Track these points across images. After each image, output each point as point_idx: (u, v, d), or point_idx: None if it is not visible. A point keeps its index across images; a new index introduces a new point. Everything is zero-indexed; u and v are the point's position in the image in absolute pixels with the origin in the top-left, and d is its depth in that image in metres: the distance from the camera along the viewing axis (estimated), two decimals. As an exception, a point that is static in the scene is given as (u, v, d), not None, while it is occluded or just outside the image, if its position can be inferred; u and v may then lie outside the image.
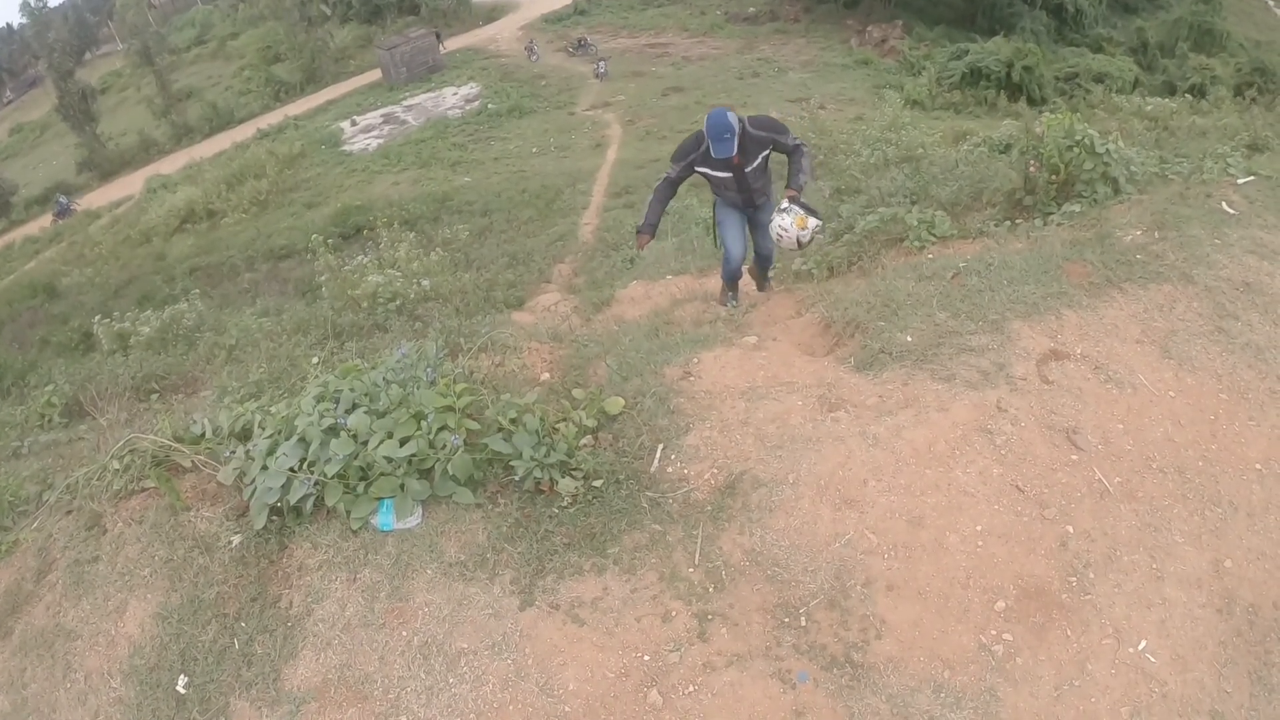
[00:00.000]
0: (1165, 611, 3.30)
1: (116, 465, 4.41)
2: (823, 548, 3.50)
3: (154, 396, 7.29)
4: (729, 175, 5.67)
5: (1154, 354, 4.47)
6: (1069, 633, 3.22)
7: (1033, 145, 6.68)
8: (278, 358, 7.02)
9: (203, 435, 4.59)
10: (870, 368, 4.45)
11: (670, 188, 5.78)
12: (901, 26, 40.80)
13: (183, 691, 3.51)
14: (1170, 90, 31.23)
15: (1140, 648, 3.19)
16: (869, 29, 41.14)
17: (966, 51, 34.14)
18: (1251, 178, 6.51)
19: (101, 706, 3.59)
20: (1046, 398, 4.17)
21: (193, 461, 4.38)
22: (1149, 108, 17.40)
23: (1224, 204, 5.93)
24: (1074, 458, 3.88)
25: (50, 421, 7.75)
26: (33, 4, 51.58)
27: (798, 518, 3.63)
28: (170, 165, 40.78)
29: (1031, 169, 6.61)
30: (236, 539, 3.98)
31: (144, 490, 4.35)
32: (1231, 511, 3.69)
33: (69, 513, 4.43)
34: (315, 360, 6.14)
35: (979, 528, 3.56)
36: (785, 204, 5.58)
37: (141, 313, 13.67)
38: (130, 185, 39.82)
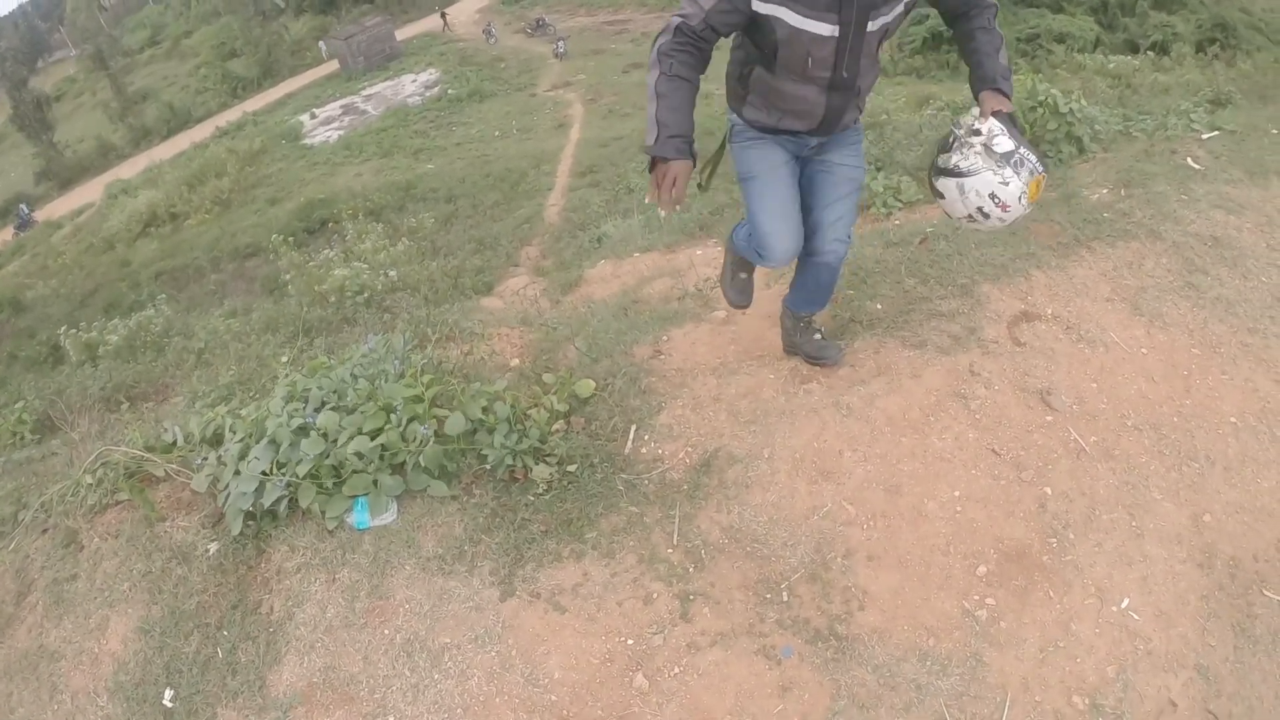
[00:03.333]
0: (1146, 568, 3.31)
1: (89, 479, 4.34)
2: (801, 521, 3.49)
3: (124, 406, 7.22)
4: (831, 33, 2.83)
5: (1125, 311, 4.48)
6: (1051, 594, 3.22)
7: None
8: (247, 358, 6.95)
9: (174, 443, 4.52)
10: (840, 336, 4.43)
11: (694, 53, 2.97)
12: (855, -6, 40.72)
13: (169, 705, 3.46)
14: (1132, 48, 31.32)
15: (1123, 605, 3.19)
16: (826, -5, 41.11)
17: (927, 16, 34.07)
18: (1215, 133, 6.55)
19: None
20: (1019, 360, 4.17)
21: (165, 471, 4.32)
22: (1111, 66, 17.51)
23: (1189, 160, 5.96)
24: (1049, 419, 3.88)
25: (22, 439, 7.64)
26: (-18, 13, 50.66)
27: (775, 492, 3.61)
28: (130, 169, 40.39)
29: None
30: (214, 547, 3.93)
31: (118, 503, 4.28)
32: (1208, 466, 3.70)
33: (44, 531, 4.36)
34: (284, 359, 6.08)
35: (957, 493, 3.56)
36: (987, 129, 2.94)
37: (109, 321, 13.59)
38: (90, 192, 39.36)
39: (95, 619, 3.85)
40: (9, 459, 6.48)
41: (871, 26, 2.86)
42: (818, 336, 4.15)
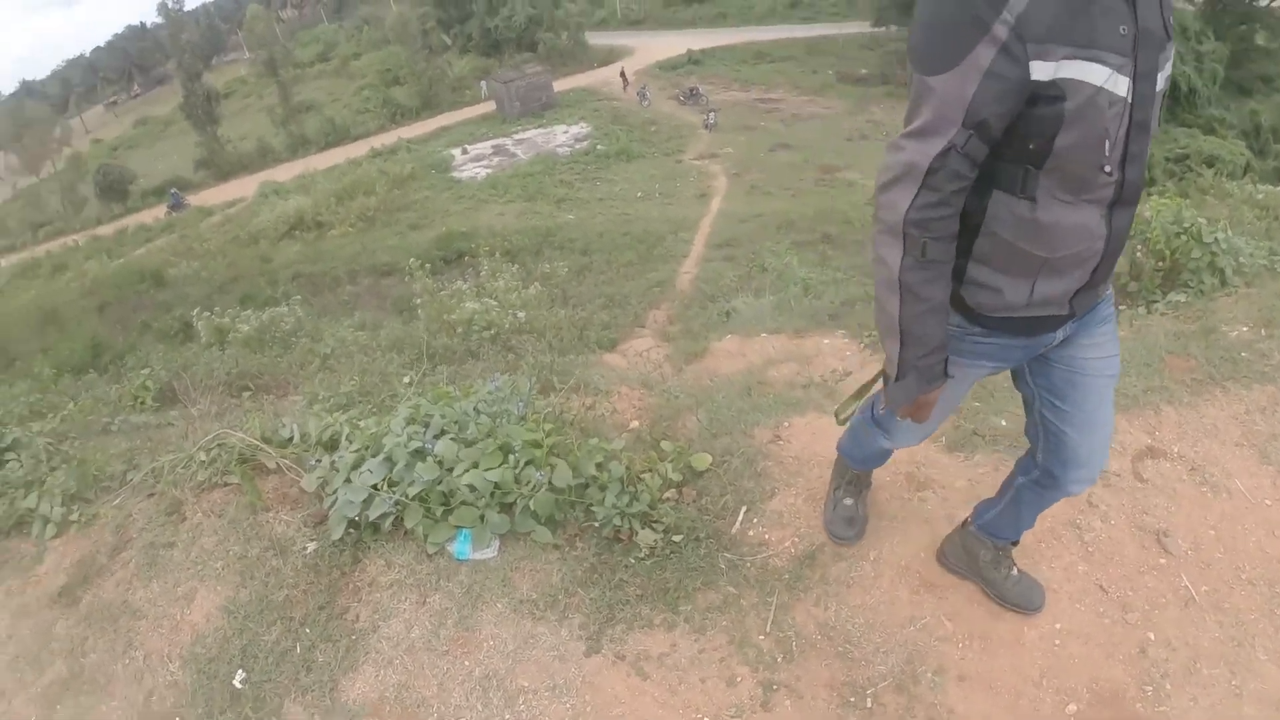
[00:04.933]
0: None
1: (203, 457, 4.62)
2: (897, 629, 3.43)
3: (246, 394, 7.51)
4: (1126, 92, 1.84)
5: (1253, 459, 4.28)
6: (1140, 745, 3.08)
7: (1140, 230, 6.54)
8: (369, 372, 7.16)
9: (290, 439, 4.75)
10: (961, 449, 4.37)
11: (953, 216, 1.95)
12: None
13: (239, 686, 3.60)
14: (1283, 177, 30.39)
15: None
16: (981, 97, 40.90)
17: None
18: (1367, 272, 6.28)
19: (157, 687, 3.70)
20: (1139, 496, 4.03)
21: (278, 464, 4.55)
22: (1260, 195, 16.81)
23: (1338, 300, 5.72)
24: (1162, 561, 3.73)
25: (142, 404, 8.05)
26: (170, 5, 54.48)
27: (875, 596, 3.57)
28: (284, 173, 42.70)
29: (1138, 254, 6.48)
30: (311, 546, 4.10)
31: (226, 485, 4.55)
32: None
33: (150, 495, 4.64)
34: (406, 379, 6.28)
35: (1058, 625, 3.45)
36: None
37: (242, 311, 14.22)
38: (244, 188, 41.70)
39: (184, 589, 4.06)
40: (126, 419, 6.85)
41: (1160, 81, 1.95)
42: (1015, 572, 3.34)
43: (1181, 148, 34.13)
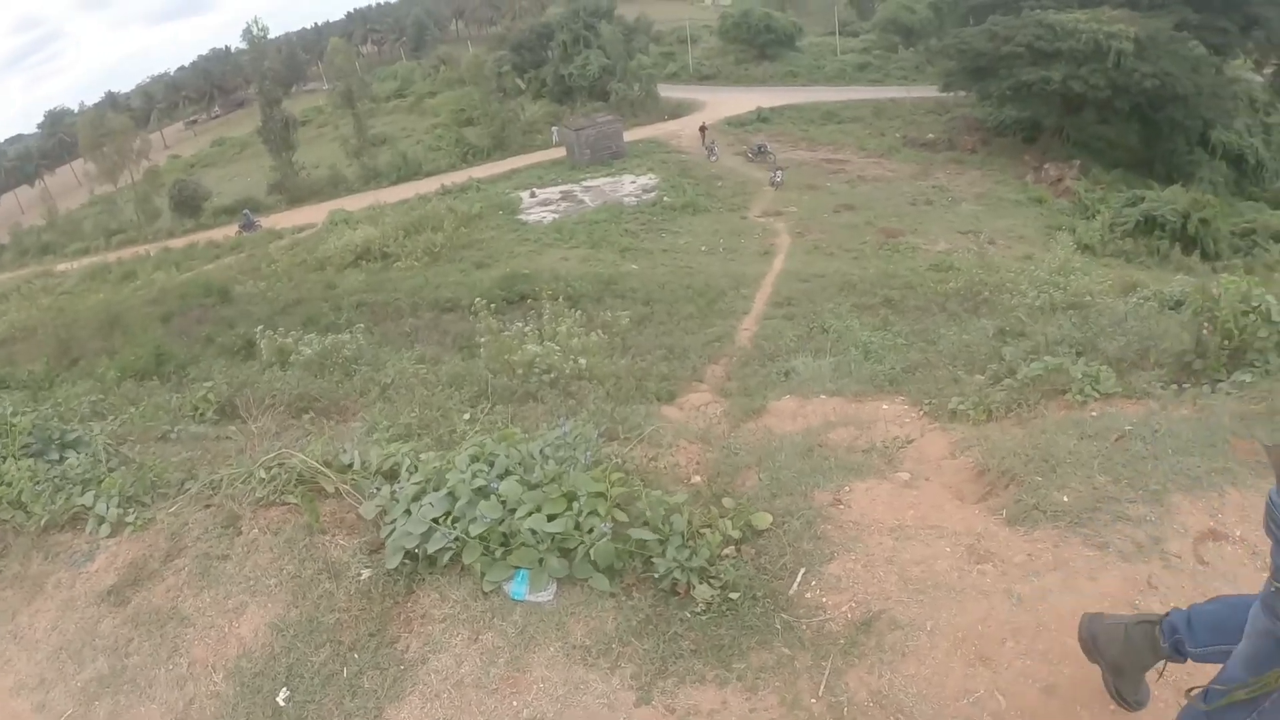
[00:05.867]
0: None
1: (263, 474, 4.75)
2: (950, 702, 3.41)
3: (306, 416, 7.66)
4: None
5: None
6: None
7: (1207, 306, 6.47)
8: (430, 406, 7.30)
9: (350, 465, 4.86)
10: (1022, 523, 4.35)
11: None
12: (1078, 166, 40.24)
13: (282, 704, 3.65)
14: (1350, 252, 29.75)
15: None
16: (1046, 166, 40.77)
17: (1142, 198, 33.25)
18: None
19: (198, 696, 3.78)
20: (1200, 579, 3.97)
21: (337, 488, 4.66)
22: (1330, 270, 16.54)
23: (1403, 387, 5.61)
24: (1220, 646, 3.69)
25: (203, 415, 8.29)
26: (255, 32, 56.24)
27: (929, 667, 3.55)
28: (354, 203, 43.58)
29: (1205, 331, 6.41)
30: (366, 572, 4.18)
31: (284, 504, 4.67)
32: None
33: (207, 506, 4.78)
34: (467, 416, 6.38)
35: (1113, 708, 3.41)
36: None
37: (305, 334, 14.46)
38: (314, 214, 42.64)
39: (234, 602, 4.15)
40: (186, 428, 7.03)
41: None
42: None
43: (1248, 222, 33.54)
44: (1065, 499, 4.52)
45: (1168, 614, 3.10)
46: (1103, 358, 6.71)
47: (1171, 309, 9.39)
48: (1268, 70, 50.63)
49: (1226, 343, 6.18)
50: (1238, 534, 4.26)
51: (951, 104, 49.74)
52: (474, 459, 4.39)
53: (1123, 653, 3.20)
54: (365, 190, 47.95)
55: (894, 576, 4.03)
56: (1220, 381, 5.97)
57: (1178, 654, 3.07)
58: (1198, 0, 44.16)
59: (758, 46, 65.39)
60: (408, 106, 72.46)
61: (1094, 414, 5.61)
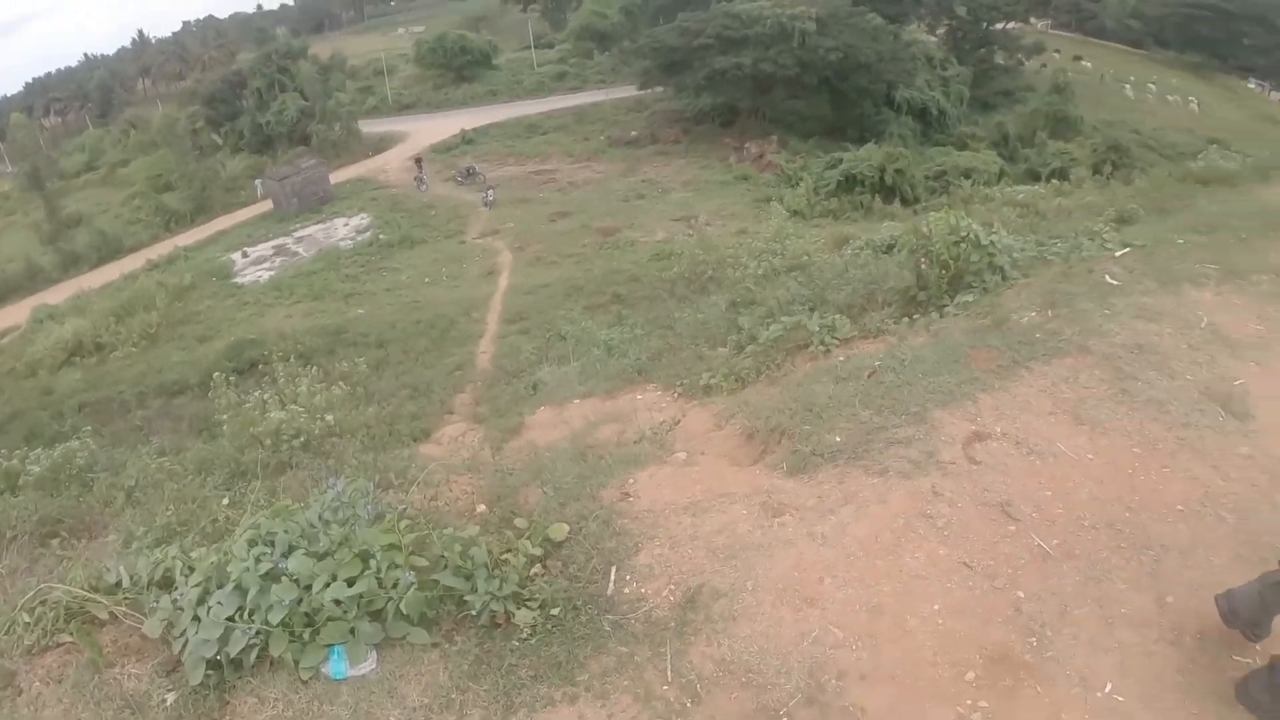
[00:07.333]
0: (1122, 654, 3.44)
1: (26, 618, 4.11)
2: (791, 648, 3.52)
3: (55, 541, 6.87)
4: None
5: (1067, 422, 4.81)
6: (1038, 689, 3.31)
7: (921, 244, 7.07)
8: (184, 499, 6.71)
9: (119, 584, 4.32)
10: (804, 470, 4.59)
11: None
12: (777, 141, 42.94)
13: None
14: (1034, 177, 33.99)
15: (1107, 690, 3.30)
16: (746, 145, 43.20)
17: (840, 160, 36.15)
18: (1127, 249, 7.07)
19: None
20: (977, 477, 4.39)
21: (111, 613, 4.13)
22: (1019, 195, 18.54)
23: (1106, 276, 6.44)
24: (1011, 528, 4.07)
25: (-72, 570, 7.20)
26: (-78, 121, 49.70)
27: (762, 622, 3.64)
28: (57, 295, 39.28)
29: (923, 266, 6.99)
30: (171, 696, 3.73)
31: (59, 645, 4.06)
32: (1164, 552, 3.90)
33: None
34: (225, 501, 5.93)
35: (936, 607, 3.67)
36: None
37: (30, 450, 13.00)
38: (15, 315, 38.00)
39: None
40: None
41: None
42: None
43: (938, 165, 37.20)
44: (838, 439, 4.81)
45: None
46: (834, 308, 7.20)
47: (884, 253, 10.21)
48: (940, 30, 56.70)
49: (944, 272, 6.78)
50: (998, 430, 4.74)
51: (651, 100, 51.52)
52: (252, 543, 4.03)
53: (1261, 609, 3.39)
54: (66, 279, 43.20)
55: (701, 550, 4.11)
56: (945, 306, 6.54)
57: None
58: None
59: (455, 69, 64.85)
60: (100, 179, 65.99)
61: (841, 359, 6.01)
